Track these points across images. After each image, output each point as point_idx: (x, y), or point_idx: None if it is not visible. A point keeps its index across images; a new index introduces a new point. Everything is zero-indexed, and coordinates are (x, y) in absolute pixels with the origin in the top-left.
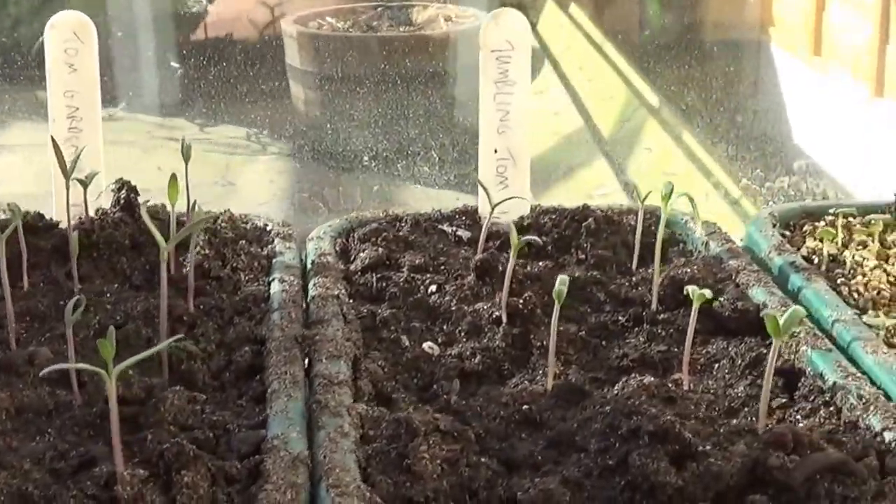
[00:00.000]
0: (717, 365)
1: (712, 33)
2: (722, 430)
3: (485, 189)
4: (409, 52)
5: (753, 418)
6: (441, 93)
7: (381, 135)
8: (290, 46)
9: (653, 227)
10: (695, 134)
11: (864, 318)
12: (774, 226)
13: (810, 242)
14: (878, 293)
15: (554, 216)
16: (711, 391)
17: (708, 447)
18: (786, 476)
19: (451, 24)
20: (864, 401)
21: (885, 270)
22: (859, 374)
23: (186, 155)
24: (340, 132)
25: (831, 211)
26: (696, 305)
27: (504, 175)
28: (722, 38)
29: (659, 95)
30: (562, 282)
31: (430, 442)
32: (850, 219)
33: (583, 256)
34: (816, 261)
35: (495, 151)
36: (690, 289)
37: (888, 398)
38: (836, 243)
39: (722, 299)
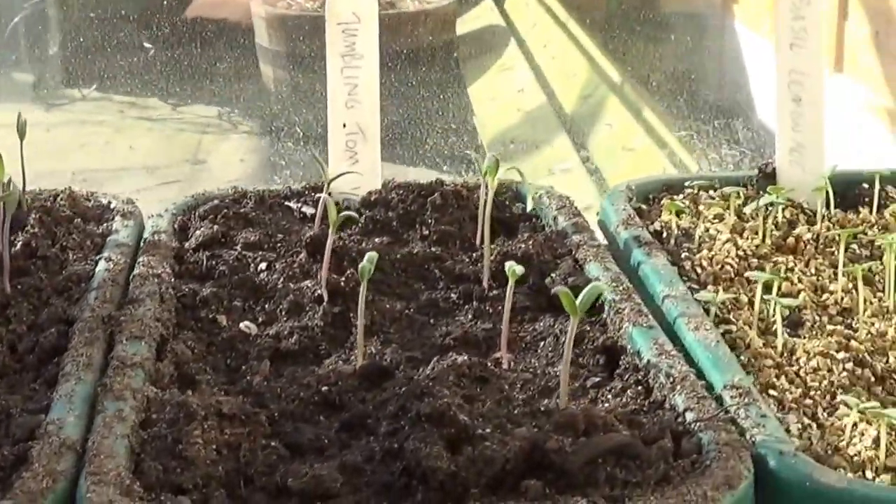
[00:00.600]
0: (542, 343)
1: (676, 10)
2: (516, 412)
3: (320, 163)
4: (379, 30)
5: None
6: (412, 70)
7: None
8: (259, 27)
9: (507, 203)
10: (655, 109)
11: (699, 294)
12: (631, 199)
13: (666, 216)
14: (722, 268)
15: (401, 191)
16: (531, 370)
17: (488, 430)
18: (563, 460)
19: (420, 3)
20: (671, 380)
21: (735, 244)
22: (674, 353)
23: (21, 132)
24: (310, 111)
25: (687, 184)
26: (511, 283)
27: (354, 150)
28: (685, 15)
29: (621, 72)
30: (369, 259)
31: (207, 426)
32: (711, 191)
33: (426, 232)
34: (665, 235)
35: (344, 126)
36: (508, 266)
37: (701, 377)
38: (692, 217)
39: (554, 275)
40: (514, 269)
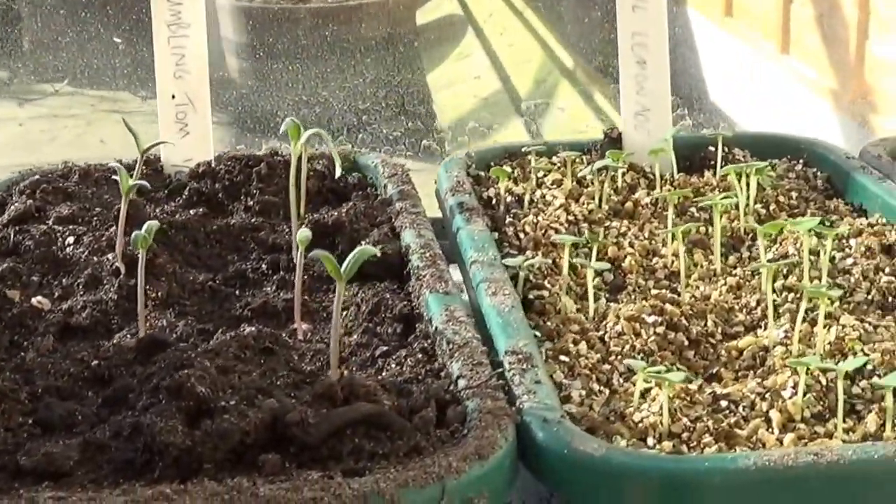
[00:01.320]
0: (345, 312)
1: None
2: (279, 383)
3: (133, 133)
4: (340, 21)
5: (352, 369)
6: (372, 59)
7: (314, 103)
8: (223, 19)
9: (344, 172)
10: (606, 93)
11: (508, 259)
12: (470, 166)
13: (506, 183)
14: (545, 233)
15: (230, 163)
16: (325, 340)
17: (232, 403)
18: (304, 433)
19: None
20: (452, 346)
21: (567, 210)
22: (464, 319)
23: None
24: (274, 101)
25: (525, 149)
26: (300, 250)
27: (184, 121)
28: None
29: (574, 57)
30: (148, 229)
31: None
32: (553, 157)
33: (251, 203)
34: (495, 202)
35: (173, 97)
36: (299, 234)
37: (487, 343)
38: (530, 183)
39: (364, 243)
40: (303, 236)
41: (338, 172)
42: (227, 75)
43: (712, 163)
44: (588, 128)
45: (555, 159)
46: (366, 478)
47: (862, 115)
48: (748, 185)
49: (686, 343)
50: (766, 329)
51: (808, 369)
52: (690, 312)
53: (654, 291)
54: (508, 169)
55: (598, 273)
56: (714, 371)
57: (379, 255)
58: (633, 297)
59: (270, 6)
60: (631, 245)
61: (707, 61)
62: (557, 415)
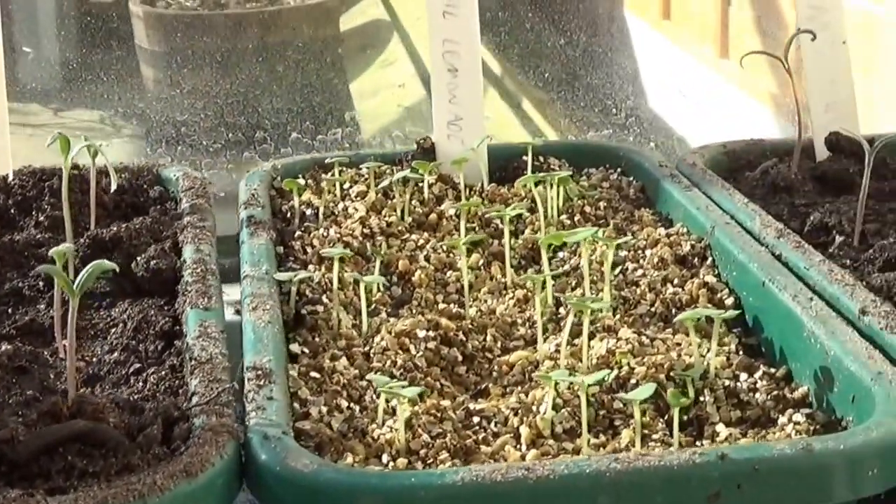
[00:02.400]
0: (114, 329)
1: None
2: (12, 402)
3: None
4: (258, 27)
5: (102, 387)
6: (291, 67)
7: (234, 112)
8: (137, 27)
9: (145, 186)
10: (535, 101)
11: (278, 273)
12: (275, 178)
13: (306, 195)
14: (333, 246)
15: (25, 178)
16: (86, 359)
17: None
18: (11, 450)
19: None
20: (194, 363)
21: (363, 223)
22: (216, 335)
23: None
24: (191, 112)
25: (327, 161)
26: (59, 265)
27: None
28: (572, 5)
29: (503, 64)
30: None
31: None
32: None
33: (41, 218)
34: (290, 215)
35: None
36: (56, 250)
37: (237, 358)
38: (334, 195)
39: (139, 259)
40: (59, 251)
41: (113, 186)
42: (143, 85)
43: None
44: (512, 137)
45: (365, 171)
46: (66, 496)
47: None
48: (558, 194)
49: (460, 359)
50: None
51: (568, 384)
52: (471, 327)
53: (441, 306)
54: (303, 181)
55: (387, 287)
56: (483, 387)
57: (118, 270)
58: (415, 311)
59: (186, 13)
60: (427, 258)
61: (644, 66)
62: (279, 431)
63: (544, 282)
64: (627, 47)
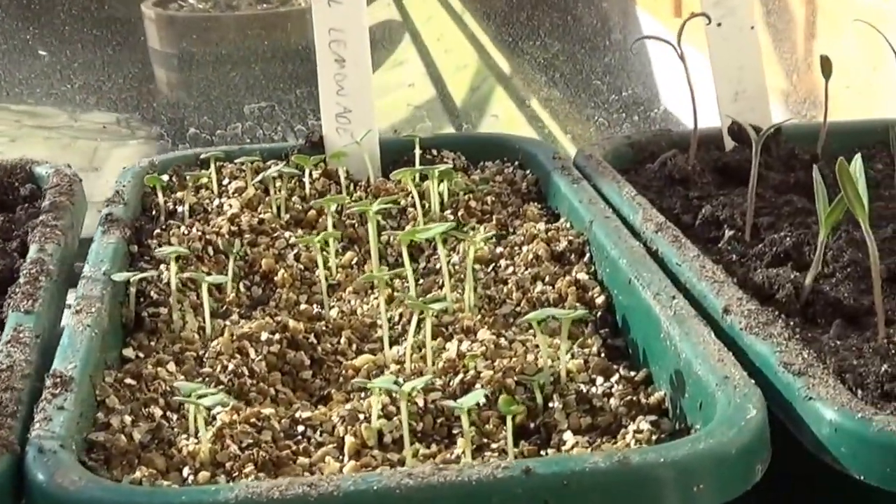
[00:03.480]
0: None
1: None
2: None
3: None
4: (269, 28)
5: None
6: (302, 69)
7: (245, 114)
8: (150, 29)
9: (16, 183)
10: (544, 99)
11: (116, 274)
12: (152, 174)
13: (180, 192)
14: (190, 245)
15: None
16: None
17: None
18: None
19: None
20: None
21: (232, 220)
22: (27, 339)
23: None
24: (204, 113)
25: (203, 155)
26: None
27: None
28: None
29: (511, 62)
30: None
31: None
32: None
33: None
34: (155, 212)
35: None
36: None
37: None
38: (212, 190)
39: None
40: None
41: None
42: (155, 87)
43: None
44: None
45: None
46: None
47: (811, 115)
48: (445, 189)
49: (307, 363)
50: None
51: (406, 391)
52: (324, 329)
53: (303, 307)
54: (157, 178)
55: (248, 287)
56: (325, 393)
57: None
58: (269, 313)
59: (196, 14)
60: (297, 257)
61: (657, 62)
62: (56, 444)
63: (392, 281)
64: (639, 44)
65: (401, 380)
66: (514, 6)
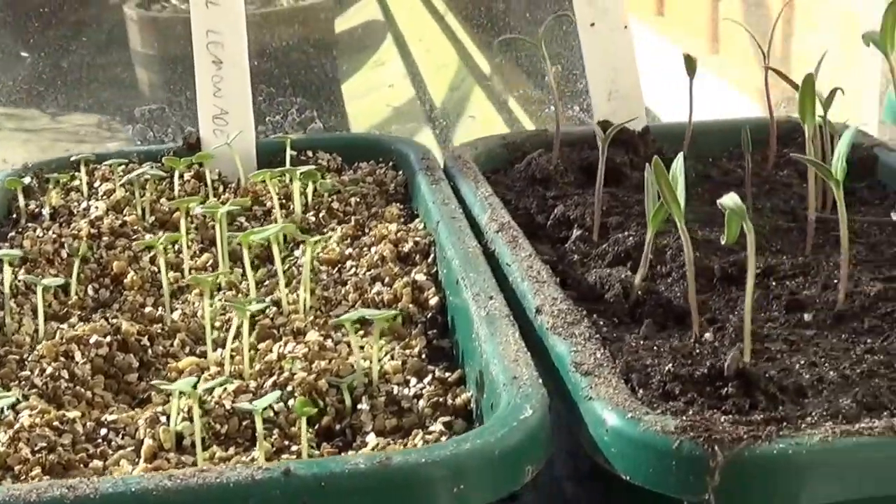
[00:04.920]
0: None
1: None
2: None
3: None
4: (253, 29)
5: None
6: (283, 69)
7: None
8: (132, 30)
9: None
10: (521, 99)
11: None
12: (23, 177)
13: (53, 194)
14: (41, 248)
15: None
16: None
17: None
18: None
19: (293, 1)
20: None
21: (93, 222)
22: None
23: None
24: (183, 114)
25: (73, 158)
26: None
27: None
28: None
29: (491, 63)
30: None
31: None
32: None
33: None
34: (15, 215)
35: None
36: None
37: None
38: (82, 193)
39: None
40: None
41: None
42: (139, 89)
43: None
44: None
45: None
46: None
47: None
48: (315, 190)
49: (135, 365)
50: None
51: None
52: (159, 332)
53: (148, 309)
54: (18, 181)
55: (96, 290)
56: (146, 395)
57: None
58: (111, 315)
59: (179, 16)
60: (153, 260)
61: (640, 62)
62: None
63: (217, 281)
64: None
65: (213, 382)
66: (495, 7)
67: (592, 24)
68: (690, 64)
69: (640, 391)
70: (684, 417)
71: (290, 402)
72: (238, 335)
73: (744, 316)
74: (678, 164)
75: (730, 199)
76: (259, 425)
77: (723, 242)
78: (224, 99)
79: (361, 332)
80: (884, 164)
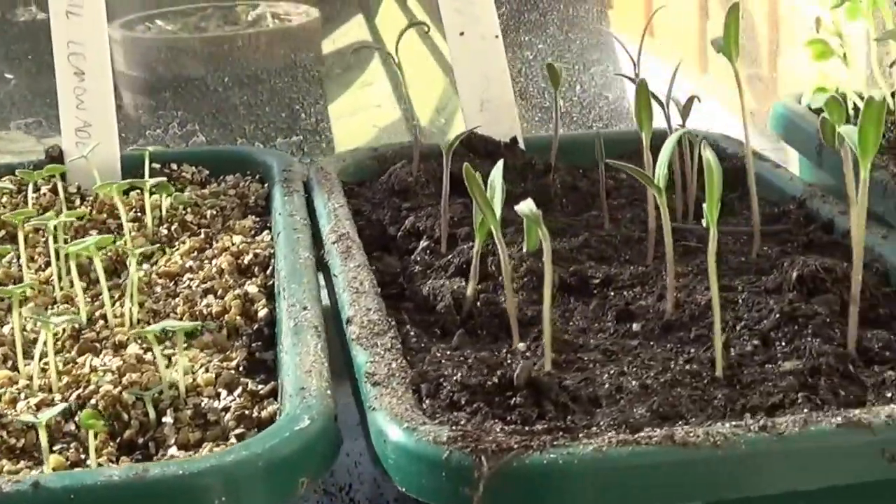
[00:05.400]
0: None
1: (551, 18)
2: None
3: None
4: (237, 51)
5: None
6: (269, 91)
7: (214, 137)
8: (116, 51)
9: None
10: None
11: None
12: None
13: None
14: None
15: None
16: None
17: None
18: None
19: (279, 22)
20: None
21: None
22: None
23: None
24: (166, 135)
25: None
26: None
27: None
28: (560, 22)
29: None
30: None
31: None
32: None
33: None
34: None
35: None
36: None
37: None
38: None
39: None
40: None
41: None
42: (125, 111)
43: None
44: None
45: None
46: None
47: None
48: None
49: None
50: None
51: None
52: None
53: None
54: None
55: None
56: None
57: None
58: None
59: (164, 36)
60: None
61: (628, 81)
62: None
63: (24, 293)
64: (612, 62)
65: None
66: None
67: (462, 33)
68: (553, 75)
69: (427, 402)
70: (455, 427)
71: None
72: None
73: (544, 325)
74: (497, 172)
75: (525, 207)
76: (43, 438)
77: (524, 250)
78: (87, 111)
79: (186, 345)
80: (756, 174)
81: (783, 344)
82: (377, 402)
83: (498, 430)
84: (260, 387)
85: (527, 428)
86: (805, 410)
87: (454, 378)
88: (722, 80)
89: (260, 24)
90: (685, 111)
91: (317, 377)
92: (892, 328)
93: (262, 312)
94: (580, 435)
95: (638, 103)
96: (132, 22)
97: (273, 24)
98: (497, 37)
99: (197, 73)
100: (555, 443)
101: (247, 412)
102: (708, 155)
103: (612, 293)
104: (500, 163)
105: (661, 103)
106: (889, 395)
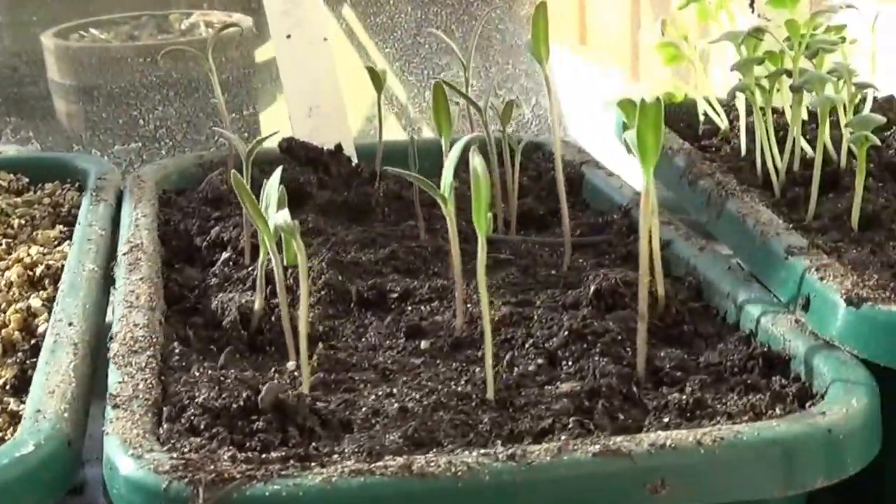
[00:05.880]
0: None
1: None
2: None
3: None
4: (171, 58)
5: None
6: (197, 101)
7: (146, 145)
8: (49, 60)
9: None
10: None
11: None
12: None
13: None
14: None
15: None
16: None
17: None
18: None
19: (212, 30)
20: None
21: None
22: None
23: None
24: (104, 145)
25: None
26: None
27: None
28: (492, 33)
29: (409, 87)
30: None
31: None
32: None
33: None
34: None
35: None
36: None
37: None
38: None
39: None
40: None
41: None
42: (57, 120)
43: None
44: None
45: None
46: None
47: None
48: None
49: None
50: None
51: None
52: None
53: None
54: None
55: None
56: None
57: None
58: None
59: (97, 45)
60: None
61: (563, 90)
62: None
63: None
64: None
65: None
66: (418, 31)
67: (289, 37)
68: (376, 79)
69: (165, 426)
70: (177, 455)
71: None
72: None
73: (300, 344)
74: (274, 179)
75: (281, 218)
76: None
77: (284, 262)
78: None
79: None
80: (588, 182)
81: (569, 363)
82: (111, 426)
83: (227, 457)
84: (22, 407)
85: (263, 455)
86: (574, 436)
87: (197, 400)
88: (654, 88)
89: (192, 34)
90: (505, 116)
91: (58, 399)
92: (693, 346)
93: (42, 328)
94: (312, 464)
95: (436, 108)
96: (67, 31)
97: (206, 34)
98: (325, 40)
99: (130, 82)
100: (282, 472)
101: None
102: (475, 163)
103: (410, 308)
104: (279, 170)
105: (478, 108)
106: (666, 419)
